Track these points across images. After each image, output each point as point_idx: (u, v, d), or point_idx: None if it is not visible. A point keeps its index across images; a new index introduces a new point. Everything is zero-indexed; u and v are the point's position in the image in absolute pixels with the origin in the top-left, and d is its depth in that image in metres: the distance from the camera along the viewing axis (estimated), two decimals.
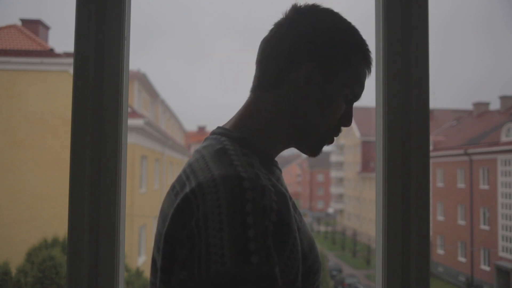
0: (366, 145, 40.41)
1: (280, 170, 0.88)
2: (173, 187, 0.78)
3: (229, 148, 0.78)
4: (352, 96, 0.86)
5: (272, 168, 0.83)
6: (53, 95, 11.10)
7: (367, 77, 0.88)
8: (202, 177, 0.71)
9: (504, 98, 24.36)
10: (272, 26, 0.87)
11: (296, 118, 0.84)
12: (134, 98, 15.87)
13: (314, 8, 0.86)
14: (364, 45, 0.86)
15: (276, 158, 0.88)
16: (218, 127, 0.87)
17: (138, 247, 13.89)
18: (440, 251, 24.15)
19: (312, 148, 0.88)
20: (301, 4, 0.87)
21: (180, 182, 0.76)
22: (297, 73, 0.82)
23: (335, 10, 0.87)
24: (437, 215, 24.51)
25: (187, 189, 0.71)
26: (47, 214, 10.43)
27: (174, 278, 0.68)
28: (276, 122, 0.84)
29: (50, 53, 11.59)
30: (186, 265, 0.66)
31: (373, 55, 0.88)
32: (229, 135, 0.82)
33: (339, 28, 0.84)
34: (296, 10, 0.86)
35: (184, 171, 0.78)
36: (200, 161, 0.77)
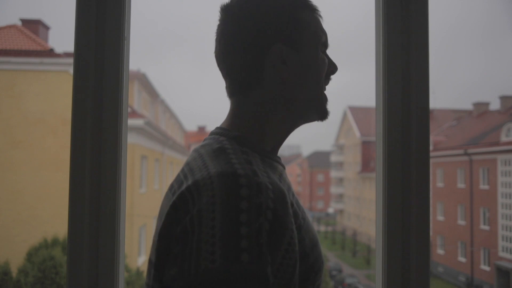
0: (366, 145, 40.40)
1: (283, 166, 0.87)
2: (171, 187, 0.78)
3: (227, 147, 0.77)
4: (324, 47, 0.88)
5: (274, 164, 0.83)
6: (53, 95, 11.09)
7: (322, 21, 0.89)
8: (199, 175, 0.71)
9: (504, 98, 24.34)
10: (216, 36, 0.87)
11: (294, 96, 0.84)
12: (134, 98, 15.86)
13: None
14: None
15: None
16: (217, 127, 0.87)
17: (138, 247, 13.88)
18: (440, 251, 24.14)
19: (320, 112, 0.88)
20: (226, 2, 0.86)
21: (178, 181, 0.76)
22: (270, 60, 0.82)
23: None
24: (437, 215, 24.50)
25: (183, 187, 0.71)
26: (47, 214, 10.42)
27: (165, 275, 0.68)
28: (272, 113, 0.84)
29: (50, 53, 11.57)
30: (177, 262, 0.66)
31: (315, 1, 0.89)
32: (227, 134, 0.82)
33: (275, 1, 0.84)
34: (228, 10, 0.85)
35: (182, 170, 0.78)
36: (198, 159, 0.77)
